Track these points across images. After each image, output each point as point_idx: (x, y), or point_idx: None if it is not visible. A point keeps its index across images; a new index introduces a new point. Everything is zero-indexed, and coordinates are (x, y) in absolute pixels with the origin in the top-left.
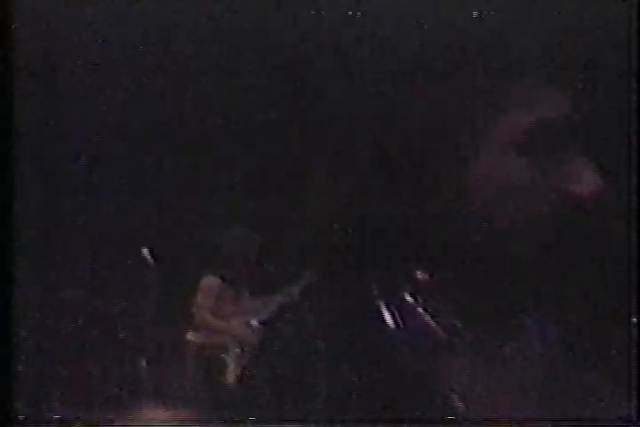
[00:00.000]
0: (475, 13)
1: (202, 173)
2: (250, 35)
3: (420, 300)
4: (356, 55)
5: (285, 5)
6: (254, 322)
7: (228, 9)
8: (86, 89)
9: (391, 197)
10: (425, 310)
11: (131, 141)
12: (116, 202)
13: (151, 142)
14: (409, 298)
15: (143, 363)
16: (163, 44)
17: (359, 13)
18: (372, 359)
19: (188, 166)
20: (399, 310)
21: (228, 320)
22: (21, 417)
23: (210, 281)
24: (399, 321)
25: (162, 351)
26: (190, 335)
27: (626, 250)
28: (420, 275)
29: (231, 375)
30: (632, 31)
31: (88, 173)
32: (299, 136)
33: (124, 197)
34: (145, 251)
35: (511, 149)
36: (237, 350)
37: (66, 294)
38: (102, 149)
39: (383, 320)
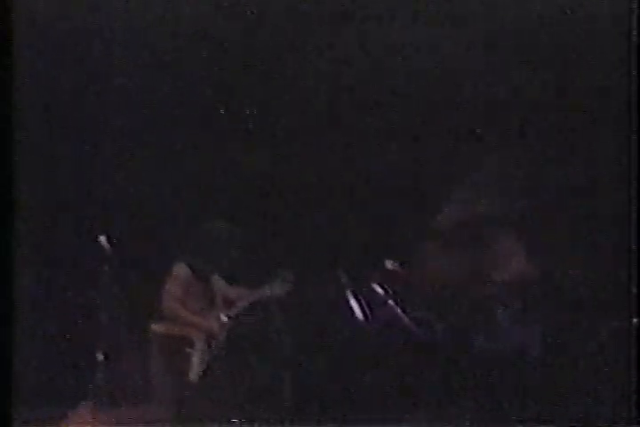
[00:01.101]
0: None
1: (188, 169)
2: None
3: (390, 291)
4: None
5: None
6: (223, 317)
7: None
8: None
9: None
10: (395, 302)
11: (126, 141)
12: (89, 191)
13: (148, 142)
14: (379, 289)
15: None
16: (160, 42)
17: None
18: (342, 356)
19: (175, 160)
20: (368, 302)
21: (197, 313)
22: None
23: (180, 269)
24: (368, 314)
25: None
26: (155, 326)
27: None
28: (390, 265)
29: (195, 372)
30: None
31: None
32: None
33: (99, 185)
34: (103, 238)
35: None
36: (204, 344)
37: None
38: (96, 148)
39: (353, 314)
